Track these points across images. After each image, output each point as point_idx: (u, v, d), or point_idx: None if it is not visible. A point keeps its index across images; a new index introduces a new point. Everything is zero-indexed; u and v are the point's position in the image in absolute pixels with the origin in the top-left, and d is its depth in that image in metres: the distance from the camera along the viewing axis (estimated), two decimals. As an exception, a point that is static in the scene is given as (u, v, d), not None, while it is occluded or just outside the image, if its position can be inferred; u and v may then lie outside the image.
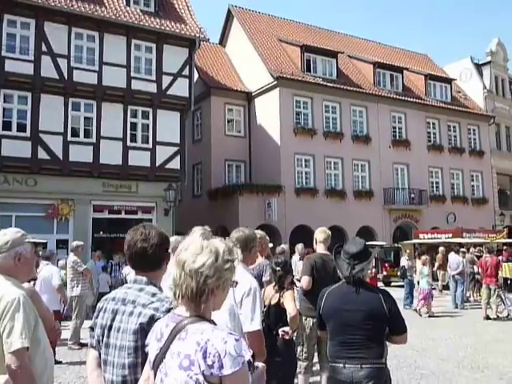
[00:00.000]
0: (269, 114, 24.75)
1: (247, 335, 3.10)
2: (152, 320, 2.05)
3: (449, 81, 31.95)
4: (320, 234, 5.39)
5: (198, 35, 19.32)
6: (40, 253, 9.10)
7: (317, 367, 5.61)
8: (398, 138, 28.07)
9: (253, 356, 3.17)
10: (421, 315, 12.78)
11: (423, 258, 13.99)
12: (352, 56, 30.15)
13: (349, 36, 33.62)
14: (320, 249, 5.37)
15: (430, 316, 12.80)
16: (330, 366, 3.09)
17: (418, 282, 13.94)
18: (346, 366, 2.94)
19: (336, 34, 32.79)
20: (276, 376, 3.97)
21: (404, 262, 15.44)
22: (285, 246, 8.99)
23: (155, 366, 1.72)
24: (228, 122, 25.90)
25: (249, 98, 26.11)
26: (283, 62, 26.06)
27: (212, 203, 23.59)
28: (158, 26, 18.55)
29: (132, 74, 18.17)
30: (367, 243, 3.32)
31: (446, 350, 8.61)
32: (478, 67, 34.36)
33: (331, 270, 5.02)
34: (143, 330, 2.06)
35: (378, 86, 28.32)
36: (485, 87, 33.39)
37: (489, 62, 34.21)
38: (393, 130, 28.02)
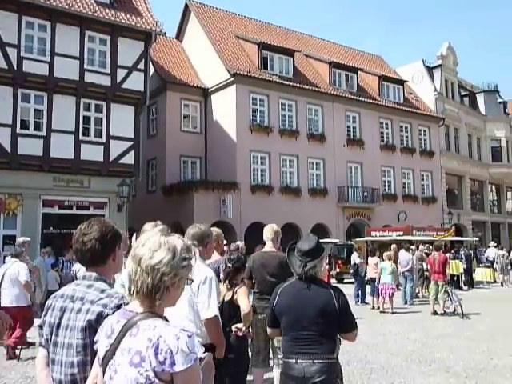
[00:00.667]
0: (225, 110, 24.69)
1: (205, 322, 3.16)
2: (100, 317, 2.01)
3: (401, 82, 32.78)
4: (267, 232, 5.41)
5: (154, 29, 19.03)
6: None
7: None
8: (352, 137, 28.59)
9: (213, 345, 3.21)
10: (392, 312, 12.93)
11: (387, 254, 14.23)
12: (308, 55, 30.47)
13: (305, 35, 33.93)
14: (267, 246, 5.38)
15: (383, 312, 13.02)
16: (283, 361, 3.12)
17: (371, 279, 14.23)
18: (299, 361, 2.97)
19: (293, 33, 33.04)
20: (229, 373, 3.98)
21: (355, 259, 15.72)
22: (240, 243, 9.00)
23: (104, 363, 1.68)
24: (184, 117, 25.69)
25: (205, 93, 25.96)
26: (240, 58, 26.05)
27: (167, 199, 23.35)
28: (112, 18, 18.14)
29: (85, 67, 17.72)
30: (321, 240, 3.35)
31: (395, 345, 8.84)
32: (430, 70, 35.42)
33: (274, 267, 5.06)
34: (91, 327, 2.02)
35: (334, 86, 28.74)
36: (435, 89, 34.44)
37: (439, 66, 35.34)
38: (347, 129, 28.52)
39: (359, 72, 30.52)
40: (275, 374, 5.18)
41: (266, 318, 4.82)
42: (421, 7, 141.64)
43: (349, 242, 23.99)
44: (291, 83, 26.30)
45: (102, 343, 1.73)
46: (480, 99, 39.26)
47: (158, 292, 1.66)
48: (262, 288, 5.18)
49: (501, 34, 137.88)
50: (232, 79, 24.41)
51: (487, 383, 6.37)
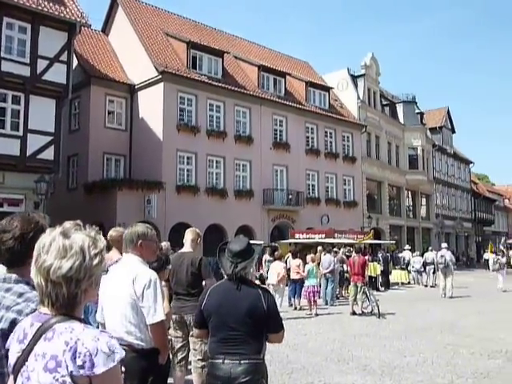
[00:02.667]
0: (152, 108, 24.24)
1: (150, 327, 3.12)
2: (14, 325, 1.82)
3: (327, 89, 33.72)
4: (188, 234, 5.43)
5: (78, 20, 18.31)
6: None
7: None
8: (278, 140, 29.03)
9: (156, 350, 3.13)
10: (314, 314, 13.13)
11: (311, 256, 14.49)
12: (238, 57, 30.61)
13: (235, 37, 34.08)
14: (185, 247, 5.39)
15: (313, 314, 13.20)
16: (210, 362, 3.11)
17: (293, 280, 14.45)
18: (225, 361, 2.98)
19: (223, 34, 33.08)
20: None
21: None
22: (166, 244, 8.85)
23: (16, 370, 1.57)
24: (108, 113, 24.95)
25: (131, 90, 25.36)
26: (169, 56, 25.70)
27: (88, 197, 22.52)
28: (34, 6, 17.25)
29: (2, 55, 16.72)
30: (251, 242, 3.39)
31: (315, 345, 9.05)
32: (354, 78, 36.72)
33: (189, 268, 5.08)
34: (5, 337, 1.82)
35: (262, 89, 29.05)
36: (359, 98, 35.75)
37: (363, 75, 36.72)
38: (274, 132, 28.93)
39: (287, 77, 31.06)
40: (194, 376, 5.16)
41: (192, 318, 4.81)
42: (347, 18, 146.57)
43: (273, 244, 24.28)
44: (220, 84, 26.29)
45: (14, 349, 1.61)
46: (399, 109, 41.21)
47: (75, 298, 1.56)
48: (177, 289, 5.19)
49: (419, 47, 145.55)
50: (160, 77, 24.02)
51: (400, 379, 6.66)
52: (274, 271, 13.08)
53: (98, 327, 3.15)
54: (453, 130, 49.25)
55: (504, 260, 21.07)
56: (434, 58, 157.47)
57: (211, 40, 30.10)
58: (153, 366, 3.16)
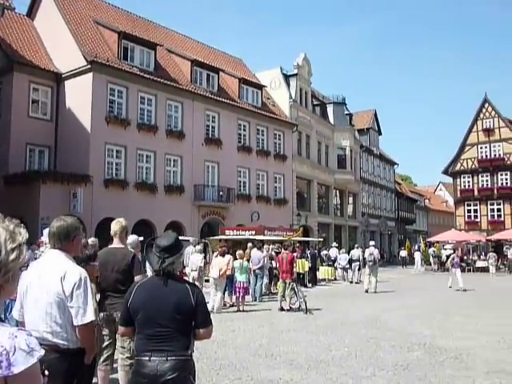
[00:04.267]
0: (80, 99, 23.37)
1: (78, 329, 2.96)
2: None
3: (260, 87, 33.99)
4: (114, 226, 5.23)
5: (1, 2, 17.35)
6: None
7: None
8: (210, 136, 28.92)
9: (82, 350, 2.98)
10: (242, 310, 13.18)
11: (240, 252, 14.52)
12: (171, 50, 30.18)
13: (169, 30, 33.57)
14: (115, 242, 5.21)
15: (242, 311, 13.23)
16: (136, 359, 3.03)
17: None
18: (152, 358, 2.92)
19: (156, 26, 32.49)
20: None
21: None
22: (94, 240, 8.54)
23: None
24: (32, 102, 23.80)
25: (58, 79, 24.32)
26: (99, 46, 24.87)
27: (8, 190, 21.35)
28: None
29: None
30: (180, 237, 3.35)
31: (243, 341, 9.10)
32: (286, 78, 37.26)
33: (119, 264, 4.94)
34: None
35: (195, 84, 28.81)
36: (291, 97, 36.31)
37: (295, 75, 37.33)
38: (206, 128, 28.79)
39: (220, 73, 31.00)
40: (119, 375, 5.04)
41: (114, 316, 4.69)
42: (282, 17, 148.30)
43: (204, 240, 24.18)
44: (152, 77, 25.80)
45: None
46: (329, 110, 42.27)
47: None
48: (106, 285, 5.01)
49: (350, 50, 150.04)
50: (89, 67, 23.21)
51: (326, 373, 6.82)
52: (217, 266, 13.25)
53: (16, 325, 2.98)
54: (379, 132, 51.20)
55: (457, 259, 21.05)
56: (364, 62, 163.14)
57: (144, 31, 29.46)
58: (78, 366, 3.04)
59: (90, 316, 2.97)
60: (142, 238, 6.82)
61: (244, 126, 31.53)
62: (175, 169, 26.88)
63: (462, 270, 32.49)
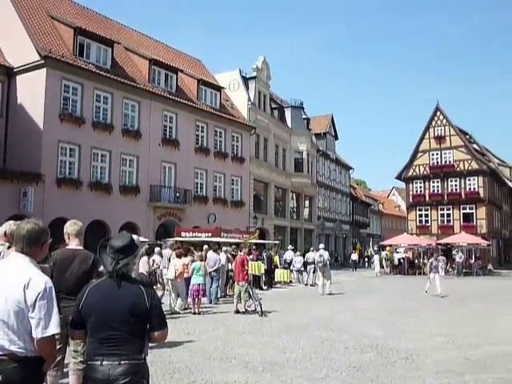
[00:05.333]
0: (33, 94, 22.66)
1: (38, 341, 2.75)
2: None
3: (219, 88, 33.92)
4: (71, 227, 5.05)
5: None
6: None
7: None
8: (168, 136, 28.64)
9: (40, 358, 2.82)
10: (197, 313, 13.04)
11: (199, 254, 14.39)
12: (129, 48, 29.74)
13: (127, 28, 33.12)
14: (72, 243, 5.04)
15: (197, 313, 13.09)
16: (87, 364, 2.93)
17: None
18: (104, 363, 2.83)
19: (114, 23, 31.99)
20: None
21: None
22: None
23: None
24: (-18, 97, 22.91)
25: (9, 73, 23.50)
26: (53, 41, 24.21)
27: (-46, 188, 20.50)
28: None
29: None
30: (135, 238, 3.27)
31: (198, 343, 9.03)
32: (245, 80, 37.33)
33: (77, 265, 4.81)
34: None
35: (153, 83, 28.48)
36: (249, 99, 36.40)
37: (254, 77, 37.47)
38: (164, 128, 28.50)
39: (179, 73, 30.76)
40: (71, 379, 4.90)
41: (69, 319, 4.54)
42: (242, 19, 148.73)
43: (159, 242, 23.90)
44: (108, 75, 25.32)
45: None
46: (287, 113, 42.60)
47: None
48: (61, 287, 4.75)
49: (309, 55, 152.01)
50: (42, 62, 22.55)
51: (280, 375, 6.85)
52: (173, 267, 13.34)
53: None
54: (336, 137, 52.00)
55: (440, 263, 20.46)
56: (322, 67, 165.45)
57: (101, 28, 28.92)
58: (36, 375, 2.86)
59: (52, 329, 2.75)
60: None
61: (202, 127, 31.38)
62: (131, 169, 26.46)
63: (413, 274, 33.60)
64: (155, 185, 27.20)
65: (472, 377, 6.84)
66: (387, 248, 39.26)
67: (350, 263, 41.81)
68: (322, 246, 20.99)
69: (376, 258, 35.66)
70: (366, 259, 46.62)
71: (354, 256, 40.63)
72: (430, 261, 20.23)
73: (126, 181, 26.13)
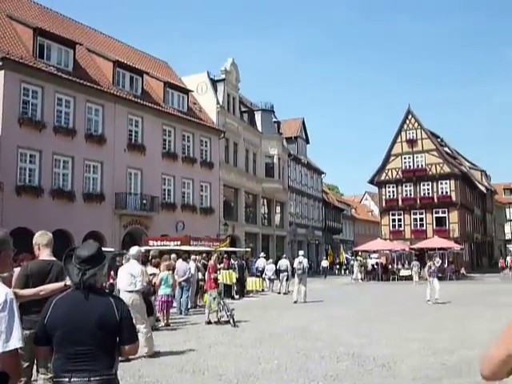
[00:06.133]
0: (-11, 98, 22.14)
1: (0, 355, 2.65)
2: None
3: (186, 91, 33.82)
4: (42, 238, 5.03)
5: None
6: None
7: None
8: (133, 141, 28.38)
9: (4, 374, 2.70)
10: (167, 324, 12.92)
11: (167, 263, 14.20)
12: (92, 50, 29.38)
13: (90, 28, 32.78)
14: (44, 254, 4.99)
15: (167, 325, 12.96)
16: (54, 381, 2.86)
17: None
18: (72, 380, 2.76)
19: (76, 24, 31.63)
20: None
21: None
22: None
23: None
24: None
25: (-36, 76, 22.90)
26: (11, 42, 23.75)
27: None
28: None
29: None
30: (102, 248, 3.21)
31: (170, 356, 8.92)
32: (214, 83, 37.30)
33: (53, 277, 4.76)
34: None
35: (117, 86, 28.20)
36: (218, 102, 36.38)
37: (223, 80, 37.47)
38: (129, 133, 28.23)
39: (144, 75, 30.55)
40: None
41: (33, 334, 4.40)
42: (210, 21, 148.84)
43: (125, 251, 23.53)
44: (70, 77, 24.95)
45: None
46: (258, 117, 42.81)
47: None
48: (39, 300, 4.62)
49: (281, 59, 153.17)
50: (0, 64, 22.06)
51: (256, 387, 6.83)
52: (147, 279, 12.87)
53: None
54: (307, 141, 52.46)
55: (434, 267, 20.04)
56: (292, 70, 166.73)
57: (62, 29, 28.50)
58: None
59: (14, 342, 2.66)
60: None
61: (169, 131, 31.19)
62: (95, 175, 26.08)
63: (387, 279, 34.07)
64: (121, 192, 26.88)
65: (449, 382, 6.96)
66: (360, 253, 39.72)
67: (319, 270, 42.13)
68: (301, 252, 21.04)
69: (356, 264, 36.05)
70: (338, 266, 47.00)
71: (325, 263, 40.90)
72: (428, 265, 20.13)
73: (90, 188, 25.74)
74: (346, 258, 46.26)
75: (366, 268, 36.99)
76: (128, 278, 9.00)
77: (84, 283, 2.89)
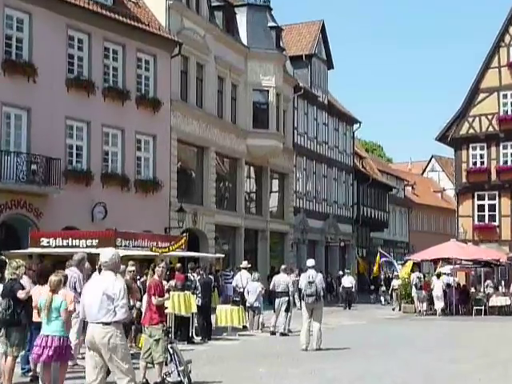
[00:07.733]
0: None
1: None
2: None
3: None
4: None
5: None
6: None
7: None
8: (14, 58, 28.36)
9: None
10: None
11: (54, 278, 14.03)
12: None
13: None
14: None
15: None
16: None
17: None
18: None
19: None
20: None
21: None
22: None
23: None
24: None
25: None
26: None
27: None
28: None
29: None
30: None
31: None
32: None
33: None
34: None
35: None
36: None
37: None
38: (5, 41, 27.99)
39: None
40: None
41: None
42: None
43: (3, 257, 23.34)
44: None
45: None
46: (241, 19, 42.30)
47: None
48: None
49: None
50: None
51: None
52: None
53: None
54: (329, 65, 51.97)
55: None
56: None
57: None
58: None
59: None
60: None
61: (80, 40, 30.69)
62: None
63: (467, 312, 33.88)
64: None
65: None
66: (419, 265, 39.63)
67: (339, 293, 42.23)
68: (311, 262, 20.58)
69: (396, 283, 36.07)
70: (372, 285, 47.19)
71: (348, 280, 40.54)
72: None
73: None
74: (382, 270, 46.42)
75: (430, 292, 36.56)
76: (103, 302, 8.99)
77: None
